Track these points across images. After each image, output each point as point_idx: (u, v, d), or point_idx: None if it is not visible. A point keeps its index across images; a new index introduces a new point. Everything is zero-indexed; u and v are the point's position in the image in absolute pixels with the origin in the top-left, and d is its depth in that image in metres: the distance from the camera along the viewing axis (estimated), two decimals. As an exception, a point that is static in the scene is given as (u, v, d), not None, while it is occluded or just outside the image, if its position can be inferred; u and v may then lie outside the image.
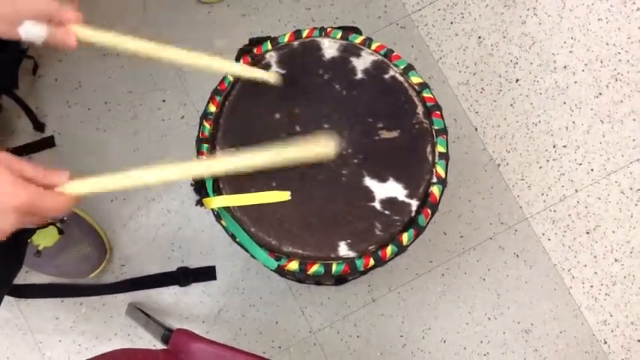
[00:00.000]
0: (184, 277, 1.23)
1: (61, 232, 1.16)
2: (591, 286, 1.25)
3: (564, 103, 1.28)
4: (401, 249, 0.82)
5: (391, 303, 1.24)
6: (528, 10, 1.30)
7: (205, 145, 0.85)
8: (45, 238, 1.16)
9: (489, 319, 1.24)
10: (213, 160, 0.75)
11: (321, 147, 0.76)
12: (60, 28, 0.73)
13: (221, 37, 1.25)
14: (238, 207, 0.83)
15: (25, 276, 1.23)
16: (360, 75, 0.86)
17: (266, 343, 1.23)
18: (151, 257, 1.25)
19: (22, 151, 1.25)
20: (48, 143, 1.27)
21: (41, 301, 1.24)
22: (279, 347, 1.23)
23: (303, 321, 1.23)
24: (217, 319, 1.24)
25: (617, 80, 1.29)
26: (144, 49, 0.78)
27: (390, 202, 0.82)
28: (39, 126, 1.25)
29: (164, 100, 1.28)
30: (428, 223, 0.83)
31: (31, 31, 0.70)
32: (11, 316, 1.23)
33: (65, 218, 1.18)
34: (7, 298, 1.22)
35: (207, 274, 1.24)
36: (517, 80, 1.29)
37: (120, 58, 1.28)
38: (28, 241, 1.15)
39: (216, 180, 0.84)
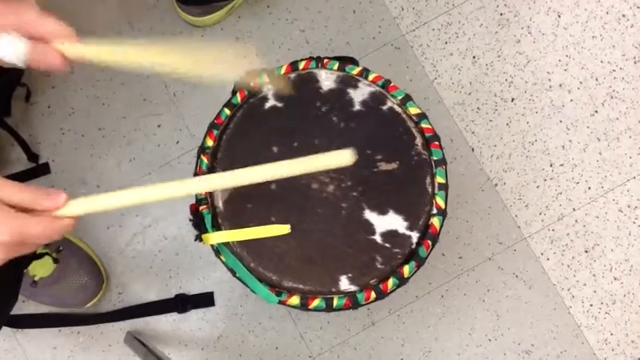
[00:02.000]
0: (182, 303, 1.22)
1: (56, 261, 1.15)
2: (591, 305, 1.25)
3: (560, 121, 1.28)
4: (402, 281, 0.82)
5: (391, 326, 1.24)
6: (522, 28, 1.30)
7: (203, 180, 0.84)
8: (41, 269, 1.15)
9: (490, 340, 1.24)
10: (218, 175, 0.64)
11: (337, 158, 0.62)
12: (43, 45, 0.61)
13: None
14: (238, 242, 0.82)
15: (22, 306, 1.22)
16: (357, 107, 0.85)
17: (266, 369, 1.23)
18: (148, 284, 1.24)
19: (16, 179, 1.24)
20: (42, 170, 1.26)
21: (38, 330, 1.23)
22: (280, 373, 1.23)
23: (303, 346, 1.23)
24: (217, 346, 1.23)
25: (612, 98, 1.29)
26: (145, 58, 0.64)
27: (390, 235, 0.82)
28: (32, 156, 1.23)
29: (159, 125, 1.27)
30: (429, 254, 0.83)
31: (8, 48, 0.58)
32: (9, 346, 1.22)
33: (60, 247, 1.18)
34: (4, 329, 1.20)
35: (205, 300, 1.24)
36: (512, 99, 1.29)
37: (113, 84, 1.27)
38: (25, 271, 1.14)
39: (214, 215, 0.83)
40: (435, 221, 0.82)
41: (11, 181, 0.57)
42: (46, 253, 1.15)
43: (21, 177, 1.24)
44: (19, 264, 1.09)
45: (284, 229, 0.82)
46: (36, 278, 1.15)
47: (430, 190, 0.83)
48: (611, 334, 1.24)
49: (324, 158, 0.61)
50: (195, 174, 0.85)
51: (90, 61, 0.63)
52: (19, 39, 0.58)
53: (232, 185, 0.64)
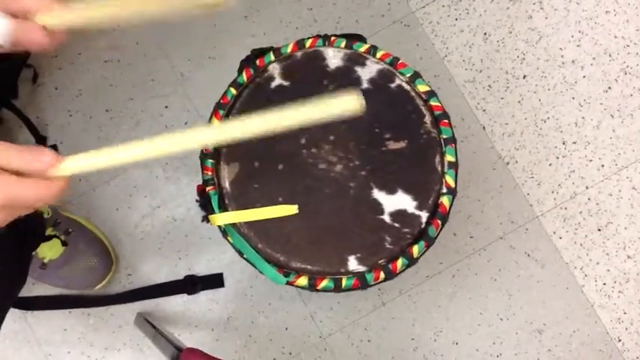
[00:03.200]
0: (192, 285, 1.22)
1: (64, 244, 1.15)
2: (604, 284, 1.23)
3: (573, 98, 1.26)
4: (411, 261, 0.81)
5: (402, 306, 1.23)
6: (534, 4, 1.28)
7: (210, 161, 0.83)
8: (50, 251, 1.15)
9: (501, 319, 1.23)
10: (221, 125, 0.60)
11: (345, 103, 0.59)
12: (24, 21, 0.57)
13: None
14: (245, 223, 0.81)
15: (32, 288, 1.22)
16: (365, 85, 0.84)
17: (276, 350, 1.22)
18: (157, 266, 1.24)
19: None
20: (51, 153, 1.25)
21: (49, 312, 1.23)
22: (290, 353, 1.22)
23: (313, 326, 1.22)
24: (227, 327, 1.23)
25: (626, 74, 1.27)
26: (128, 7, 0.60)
27: (399, 215, 0.81)
28: (40, 139, 1.23)
29: (166, 107, 1.26)
30: (438, 234, 0.82)
31: None
32: (19, 328, 1.23)
33: (70, 230, 1.17)
34: (14, 311, 1.21)
35: (215, 281, 1.23)
36: (524, 76, 1.27)
37: (120, 65, 1.26)
38: (33, 253, 1.14)
39: (221, 196, 0.83)
40: (445, 200, 0.81)
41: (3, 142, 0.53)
42: (55, 236, 1.15)
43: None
44: (27, 246, 1.09)
45: (291, 209, 0.81)
46: (45, 260, 1.15)
47: (440, 168, 0.82)
48: (625, 313, 1.23)
49: (330, 105, 0.58)
50: (202, 153, 0.84)
51: (74, 25, 0.59)
52: (1, 17, 0.55)
53: (233, 137, 0.59)
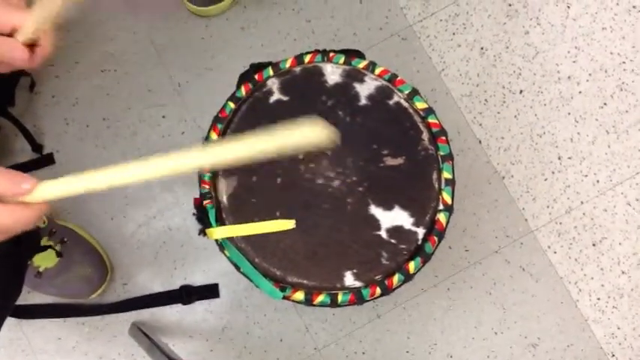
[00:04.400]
0: (187, 295, 1.22)
1: (59, 255, 1.15)
2: (598, 299, 1.24)
3: (569, 113, 1.27)
4: (408, 277, 0.81)
5: (396, 318, 1.23)
6: (531, 19, 1.29)
7: (207, 174, 0.83)
8: (45, 260, 1.15)
9: (496, 333, 1.23)
10: (202, 150, 0.60)
11: (316, 133, 0.58)
12: (7, 39, 0.59)
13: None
14: (242, 237, 0.81)
15: (27, 296, 1.22)
16: (364, 101, 0.84)
17: (271, 361, 1.22)
18: (153, 275, 1.24)
19: (20, 169, 1.23)
20: (47, 161, 1.25)
21: (43, 321, 1.23)
22: (284, 365, 1.22)
23: (308, 338, 1.22)
24: (221, 337, 1.23)
25: (622, 90, 1.27)
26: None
27: (396, 231, 0.81)
28: (37, 147, 1.23)
29: (164, 116, 1.26)
30: (435, 250, 0.82)
31: None
32: (14, 337, 1.22)
33: (65, 239, 1.17)
34: (9, 319, 1.20)
35: (210, 291, 1.23)
36: (521, 91, 1.27)
37: (118, 74, 1.26)
38: (29, 262, 1.14)
39: (218, 209, 0.83)
40: (442, 217, 0.82)
41: None
42: (50, 247, 1.15)
43: (25, 168, 1.24)
44: (22, 257, 1.09)
45: (289, 224, 0.81)
46: (40, 269, 1.15)
47: (437, 185, 0.82)
48: (618, 328, 1.24)
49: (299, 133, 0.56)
50: (200, 168, 0.84)
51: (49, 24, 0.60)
52: None
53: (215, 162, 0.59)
